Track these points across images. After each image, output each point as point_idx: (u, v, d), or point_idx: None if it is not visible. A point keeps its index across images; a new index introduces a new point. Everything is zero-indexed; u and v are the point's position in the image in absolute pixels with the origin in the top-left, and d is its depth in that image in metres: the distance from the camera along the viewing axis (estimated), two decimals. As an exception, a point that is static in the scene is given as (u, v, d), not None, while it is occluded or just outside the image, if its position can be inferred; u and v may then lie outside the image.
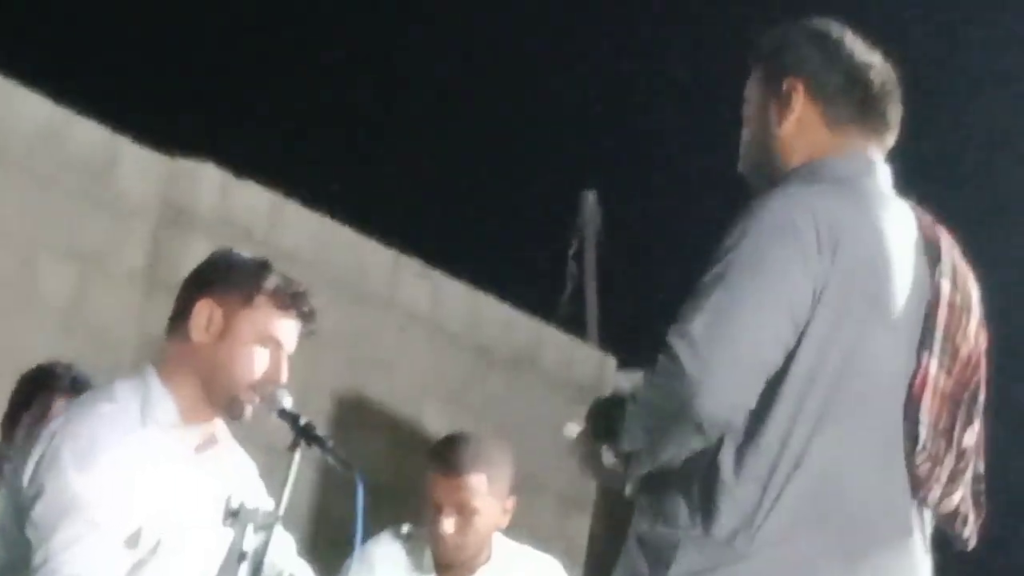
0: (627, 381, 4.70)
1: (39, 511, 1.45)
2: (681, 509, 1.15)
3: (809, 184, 1.21)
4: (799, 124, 1.27)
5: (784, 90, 1.28)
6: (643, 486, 1.20)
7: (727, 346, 1.08)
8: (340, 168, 6.52)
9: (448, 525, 2.20)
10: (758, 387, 1.11)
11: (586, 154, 6.83)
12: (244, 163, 4.52)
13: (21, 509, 1.49)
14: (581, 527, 4.94)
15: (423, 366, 4.69)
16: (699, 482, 1.14)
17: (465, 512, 2.21)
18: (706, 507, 1.13)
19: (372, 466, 3.42)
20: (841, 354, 1.14)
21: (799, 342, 1.12)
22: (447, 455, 2.29)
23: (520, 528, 2.42)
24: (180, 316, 1.63)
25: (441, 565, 2.29)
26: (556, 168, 6.90)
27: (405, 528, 2.35)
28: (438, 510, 2.22)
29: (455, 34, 7.07)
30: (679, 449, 1.13)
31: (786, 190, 1.21)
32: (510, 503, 2.32)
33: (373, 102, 7.11)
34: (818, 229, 1.13)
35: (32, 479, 1.48)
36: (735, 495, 1.12)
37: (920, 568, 1.24)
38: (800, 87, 1.27)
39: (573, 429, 1.25)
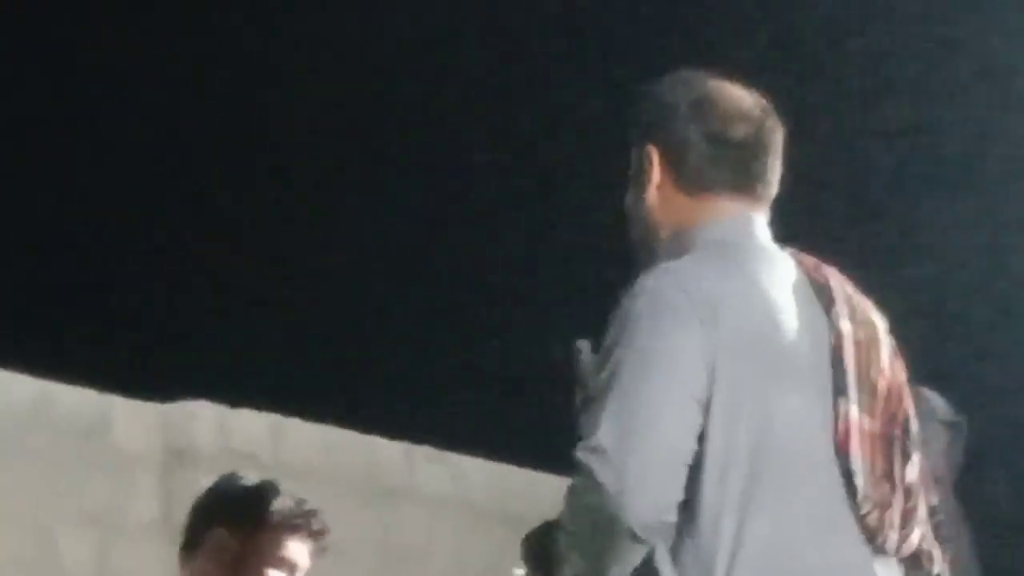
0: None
1: None
2: None
3: (678, 257, 1.14)
4: (661, 194, 1.20)
5: (644, 159, 1.21)
6: None
7: (638, 448, 1.01)
8: (335, 377, 6.57)
9: None
10: (681, 479, 1.04)
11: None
12: (238, 394, 4.56)
13: None
14: None
15: (455, 548, 4.58)
16: None
17: None
18: None
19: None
20: (750, 427, 1.06)
21: (705, 424, 1.05)
22: None
23: None
24: (191, 546, 1.66)
25: None
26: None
27: None
28: None
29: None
30: (624, 565, 1.04)
31: (655, 269, 1.14)
32: None
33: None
34: (693, 303, 1.06)
35: None
36: None
37: None
38: (655, 155, 1.20)
39: (519, 573, 1.25)
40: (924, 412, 1.89)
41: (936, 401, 2.62)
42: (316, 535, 1.69)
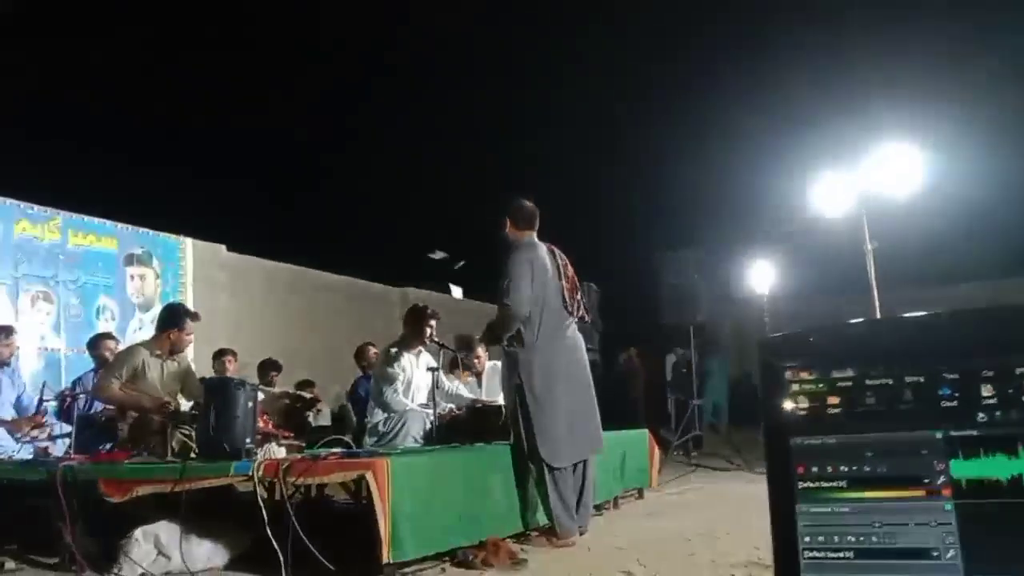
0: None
1: None
2: (517, 342, 4.80)
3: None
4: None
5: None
6: (505, 341, 4.83)
7: (518, 299, 4.71)
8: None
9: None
10: (528, 307, 4.74)
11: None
12: None
13: None
14: None
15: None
16: (516, 336, 4.78)
17: None
18: (519, 338, 4.79)
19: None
20: (539, 288, 4.80)
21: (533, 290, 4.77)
22: None
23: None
24: None
25: None
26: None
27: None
28: None
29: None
30: (515, 326, 4.77)
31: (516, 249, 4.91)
32: None
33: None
34: (529, 259, 4.82)
35: None
36: (526, 336, 4.80)
37: (579, 337, 5.07)
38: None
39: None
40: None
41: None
42: None
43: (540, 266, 4.87)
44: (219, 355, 8.37)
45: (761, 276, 10.29)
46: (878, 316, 7.14)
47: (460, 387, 6.40)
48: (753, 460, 8.70)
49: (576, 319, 5.01)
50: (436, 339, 6.10)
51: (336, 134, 19.00)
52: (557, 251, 5.06)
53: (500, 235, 5.00)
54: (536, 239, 5.00)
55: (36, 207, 8.52)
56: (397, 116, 18.78)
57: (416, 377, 6.05)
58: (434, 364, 5.99)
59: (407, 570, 3.82)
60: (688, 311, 9.73)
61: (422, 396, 6.06)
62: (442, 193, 18.36)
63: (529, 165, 16.62)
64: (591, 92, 18.01)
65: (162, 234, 10.01)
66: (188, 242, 10.34)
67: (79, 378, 7.27)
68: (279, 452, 4.29)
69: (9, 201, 8.29)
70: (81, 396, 6.15)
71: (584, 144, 17.74)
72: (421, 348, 6.11)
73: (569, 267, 5.05)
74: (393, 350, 6.07)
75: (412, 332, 6.08)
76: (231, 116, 17.24)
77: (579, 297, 5.04)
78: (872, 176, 7.44)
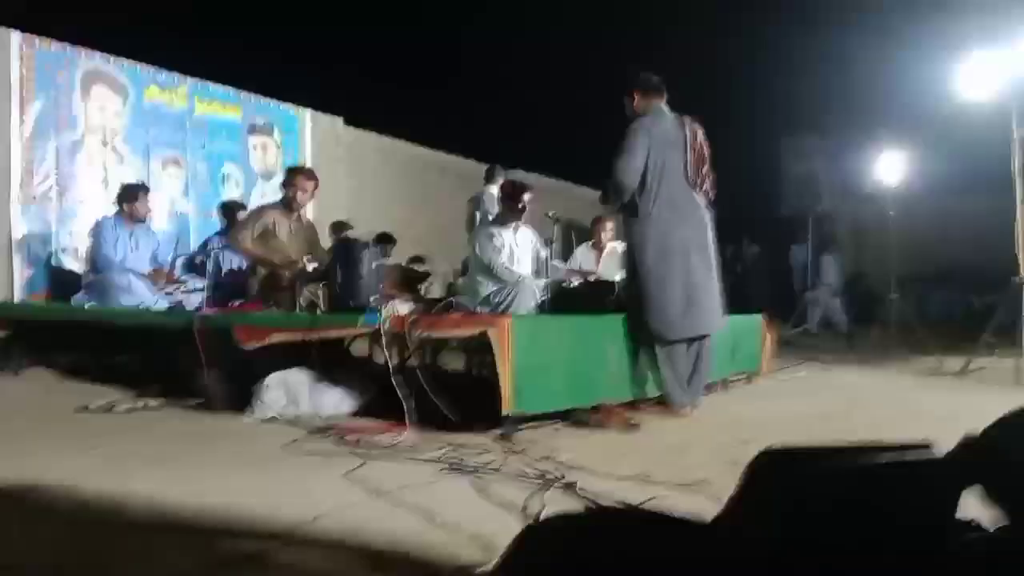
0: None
1: None
2: (632, 209, 4.75)
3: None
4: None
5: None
6: (621, 208, 4.85)
7: (624, 167, 4.67)
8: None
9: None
10: (634, 176, 4.69)
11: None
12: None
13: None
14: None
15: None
16: (630, 204, 4.75)
17: None
18: (633, 207, 4.75)
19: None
20: (656, 161, 4.71)
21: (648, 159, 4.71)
22: None
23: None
24: None
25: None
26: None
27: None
28: None
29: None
30: (623, 195, 4.73)
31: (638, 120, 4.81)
32: None
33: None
34: (648, 128, 4.74)
35: None
36: (641, 205, 4.72)
37: (704, 215, 4.84)
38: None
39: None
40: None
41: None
42: None
43: (660, 134, 4.73)
44: (336, 228, 8.61)
45: (890, 168, 9.77)
46: (1019, 217, 6.72)
47: (556, 262, 6.49)
48: (866, 353, 8.51)
49: (701, 192, 4.84)
50: (551, 214, 6.13)
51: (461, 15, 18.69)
52: (688, 120, 4.85)
53: (627, 112, 4.87)
54: (665, 108, 4.86)
55: (164, 72, 8.78)
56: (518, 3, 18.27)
57: (517, 250, 6.14)
58: (533, 239, 6.13)
59: (522, 427, 3.93)
60: (809, 201, 9.38)
61: (524, 269, 6.16)
62: (562, 82, 17.94)
63: (646, 43, 15.91)
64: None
65: (283, 105, 10.21)
66: (307, 115, 10.51)
67: (208, 239, 7.62)
68: (403, 308, 4.42)
69: (140, 65, 8.55)
70: (213, 254, 6.45)
71: (700, 19, 16.81)
72: (518, 222, 6.16)
73: (699, 138, 4.85)
74: (491, 226, 6.20)
75: (508, 207, 6.19)
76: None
77: (705, 171, 4.87)
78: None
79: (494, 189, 7.95)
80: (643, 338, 4.73)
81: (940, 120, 9.08)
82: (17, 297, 7.29)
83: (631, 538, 0.75)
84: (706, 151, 4.86)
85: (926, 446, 0.89)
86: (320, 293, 4.91)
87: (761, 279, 12.27)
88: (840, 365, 7.67)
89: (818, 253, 10.73)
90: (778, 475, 0.78)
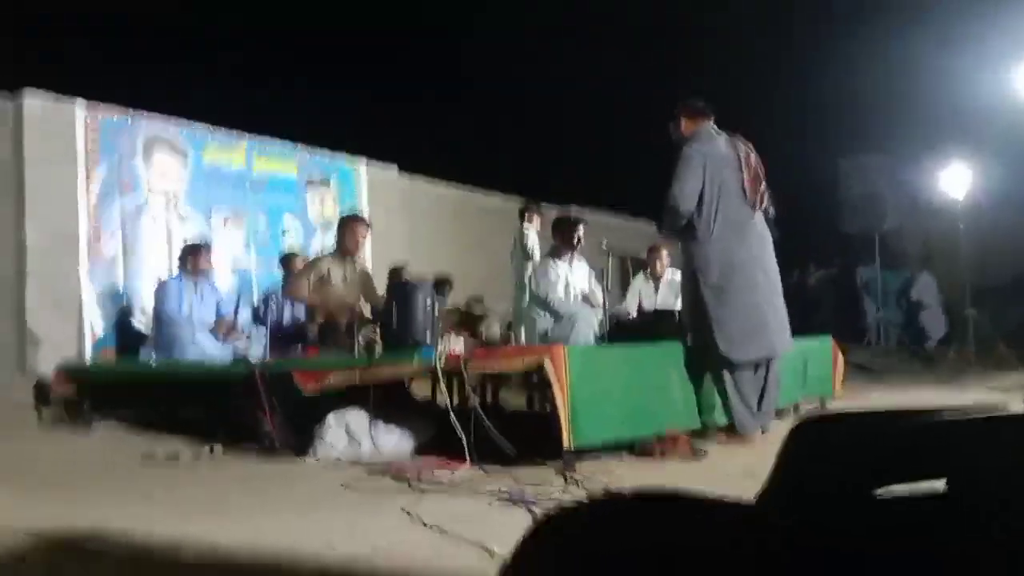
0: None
1: None
2: (691, 232, 4.68)
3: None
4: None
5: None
6: (677, 234, 4.78)
7: (680, 193, 4.62)
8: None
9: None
10: (691, 201, 4.64)
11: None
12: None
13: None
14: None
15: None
16: (688, 228, 4.68)
17: None
18: (692, 231, 4.67)
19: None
20: (713, 185, 4.65)
21: (703, 186, 4.66)
22: None
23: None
24: None
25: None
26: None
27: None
28: None
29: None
30: (680, 220, 4.66)
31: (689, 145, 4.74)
32: None
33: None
34: (702, 151, 4.67)
35: None
36: (700, 229, 4.66)
37: (764, 233, 4.79)
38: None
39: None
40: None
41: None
42: None
43: (714, 156, 4.65)
44: (393, 274, 8.66)
45: (956, 181, 9.46)
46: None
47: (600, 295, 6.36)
48: (943, 373, 8.16)
49: (760, 211, 4.74)
50: (605, 245, 6.05)
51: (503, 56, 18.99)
52: (740, 140, 4.77)
53: (675, 138, 4.80)
54: (714, 129, 4.78)
55: (223, 131, 9.03)
56: (563, 40, 18.45)
57: (571, 283, 6.12)
58: (588, 271, 6.12)
59: (586, 458, 3.83)
60: (874, 220, 9.12)
61: (579, 302, 6.13)
62: (607, 116, 17.97)
63: (698, 67, 15.78)
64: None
65: (338, 156, 10.39)
66: (362, 165, 10.69)
67: (268, 291, 7.73)
68: (458, 344, 4.38)
69: (197, 126, 8.81)
70: (272, 305, 6.54)
71: (757, 38, 16.62)
72: (572, 255, 6.15)
73: (752, 157, 4.75)
74: (547, 259, 6.22)
75: (562, 240, 6.17)
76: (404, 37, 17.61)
77: (762, 189, 4.75)
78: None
79: (528, 226, 7.89)
80: (709, 363, 4.60)
81: (1005, 128, 8.77)
82: (88, 355, 7.48)
83: (645, 521, 0.67)
84: (761, 169, 4.75)
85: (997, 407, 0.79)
86: (377, 334, 4.91)
87: (828, 302, 11.92)
88: (917, 386, 7.37)
89: (885, 272, 10.39)
90: (826, 434, 0.70)
